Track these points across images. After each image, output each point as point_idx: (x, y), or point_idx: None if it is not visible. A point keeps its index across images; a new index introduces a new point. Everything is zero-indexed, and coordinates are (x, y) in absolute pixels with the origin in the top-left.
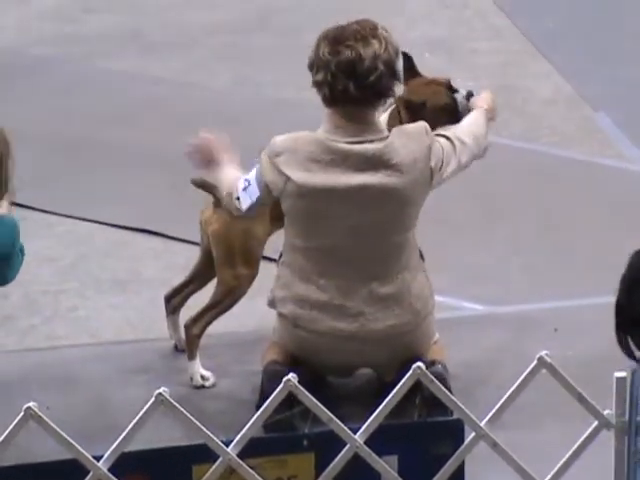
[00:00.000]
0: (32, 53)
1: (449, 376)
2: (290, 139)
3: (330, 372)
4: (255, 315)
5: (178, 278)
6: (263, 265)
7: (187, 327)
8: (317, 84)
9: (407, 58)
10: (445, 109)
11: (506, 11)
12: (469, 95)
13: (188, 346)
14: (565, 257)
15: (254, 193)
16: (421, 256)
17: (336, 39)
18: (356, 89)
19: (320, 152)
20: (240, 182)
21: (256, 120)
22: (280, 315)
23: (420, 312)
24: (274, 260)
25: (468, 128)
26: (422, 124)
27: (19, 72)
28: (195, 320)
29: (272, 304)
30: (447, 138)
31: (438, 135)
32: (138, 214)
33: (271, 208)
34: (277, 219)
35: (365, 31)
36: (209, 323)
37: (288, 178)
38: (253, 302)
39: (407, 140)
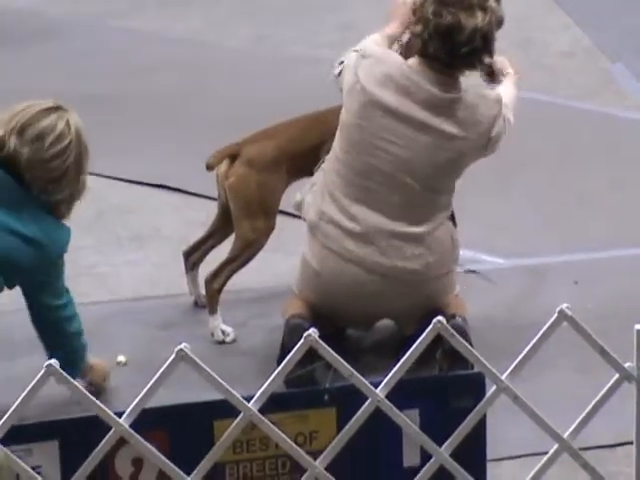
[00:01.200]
0: (47, 14)
1: (469, 329)
2: (382, 51)
3: (350, 322)
4: (274, 270)
5: (197, 234)
6: (281, 219)
7: (207, 282)
8: (414, 34)
9: None
10: None
11: None
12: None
13: (209, 301)
14: (584, 210)
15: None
16: (453, 219)
17: (444, 1)
18: (447, 55)
19: (399, 75)
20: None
21: (274, 78)
22: (305, 220)
23: (431, 267)
24: (291, 214)
25: (512, 103)
26: (497, 94)
27: (34, 33)
28: (215, 275)
29: (298, 207)
30: (507, 109)
31: None
32: (156, 170)
33: (287, 160)
34: (294, 172)
35: (476, 1)
36: (229, 277)
37: (359, 81)
38: (272, 257)
39: (479, 101)
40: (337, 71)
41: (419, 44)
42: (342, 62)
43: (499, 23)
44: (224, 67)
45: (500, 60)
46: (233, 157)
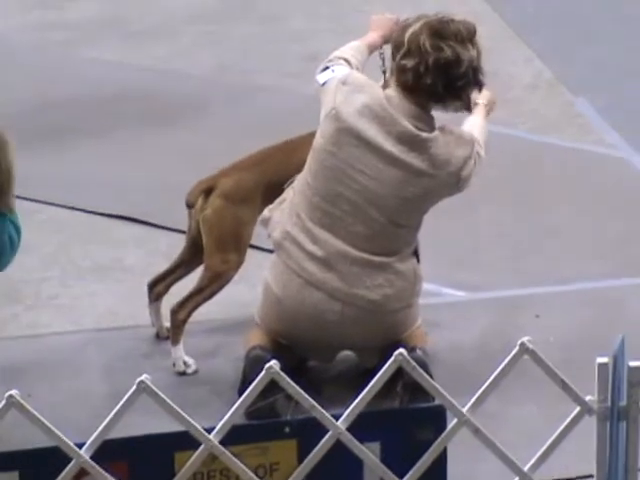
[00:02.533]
0: (14, 40)
1: (430, 362)
2: (363, 79)
3: (311, 352)
4: (236, 301)
5: (159, 265)
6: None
7: (173, 312)
8: (403, 68)
9: None
10: None
11: None
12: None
13: (173, 331)
14: (546, 243)
15: (325, 77)
16: (416, 254)
17: (439, 34)
18: (443, 88)
19: (377, 106)
20: (335, 60)
21: (239, 107)
22: (270, 237)
23: (390, 299)
24: (255, 247)
25: (482, 136)
26: (471, 134)
27: (1, 59)
28: (181, 305)
29: (264, 222)
30: (480, 147)
31: None
32: (118, 201)
33: (263, 191)
34: (269, 202)
35: (466, 34)
36: (195, 308)
37: (336, 107)
38: (234, 288)
39: (452, 140)
40: (320, 79)
41: (409, 78)
42: (326, 68)
43: (481, 56)
44: (190, 96)
45: (483, 92)
46: (208, 190)
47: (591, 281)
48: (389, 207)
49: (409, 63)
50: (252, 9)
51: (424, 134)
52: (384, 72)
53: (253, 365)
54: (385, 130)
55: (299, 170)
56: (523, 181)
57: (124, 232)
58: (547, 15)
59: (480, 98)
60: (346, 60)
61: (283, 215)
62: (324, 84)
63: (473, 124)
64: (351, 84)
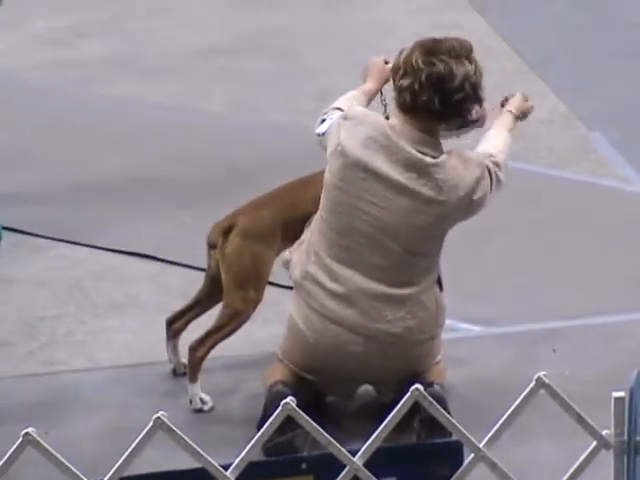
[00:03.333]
0: (26, 78)
1: (447, 397)
2: (364, 112)
3: (332, 386)
4: (252, 338)
5: (174, 301)
6: None
7: (192, 349)
8: (400, 88)
9: None
10: None
11: (500, 33)
12: (503, 102)
13: (191, 368)
14: (561, 277)
15: (325, 128)
16: (439, 283)
17: (431, 51)
18: (439, 104)
19: (380, 136)
20: (331, 112)
21: (252, 144)
22: (290, 278)
23: (412, 331)
24: (270, 283)
25: (502, 156)
26: (481, 157)
27: (14, 98)
28: (200, 343)
29: (286, 264)
30: (496, 166)
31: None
32: (132, 238)
33: (282, 228)
34: (288, 239)
35: (461, 50)
36: (213, 346)
37: (340, 142)
38: (249, 325)
39: (460, 164)
40: (319, 130)
41: (406, 98)
42: (323, 120)
43: (482, 74)
44: (203, 133)
45: (513, 100)
46: (227, 229)
47: (607, 315)
48: (403, 236)
49: (405, 83)
50: (264, 45)
51: (429, 159)
52: (387, 117)
53: (274, 400)
54: (391, 159)
55: (313, 207)
56: (539, 215)
57: (138, 269)
58: (561, 50)
59: (509, 105)
60: (342, 110)
61: (302, 256)
62: (324, 133)
63: (493, 141)
64: (353, 118)
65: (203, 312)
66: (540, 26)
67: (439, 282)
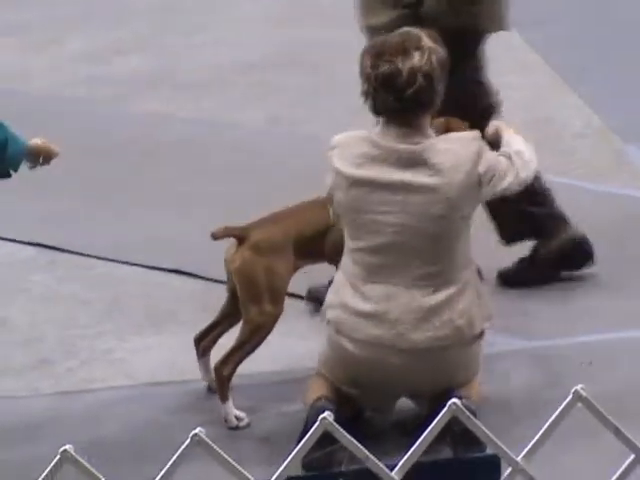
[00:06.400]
0: (65, 95)
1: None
2: (345, 136)
3: (372, 400)
4: (288, 354)
5: (212, 319)
6: (293, 303)
7: (217, 369)
8: (363, 94)
9: None
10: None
11: (535, 47)
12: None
13: (219, 388)
14: (597, 290)
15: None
16: (479, 274)
17: (377, 53)
18: (395, 101)
19: (368, 148)
20: None
21: (288, 158)
22: (328, 322)
23: (462, 330)
24: (303, 297)
25: (521, 145)
26: (472, 132)
27: (51, 115)
28: (224, 362)
29: (323, 312)
30: (505, 155)
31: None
32: (172, 255)
33: (294, 244)
34: (302, 256)
35: (408, 43)
36: (238, 363)
37: (337, 170)
38: (285, 341)
39: (452, 144)
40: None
41: (369, 102)
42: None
43: (441, 62)
44: (239, 147)
45: (495, 125)
46: (241, 240)
47: None
48: (429, 232)
49: (364, 88)
50: (300, 60)
51: (418, 146)
52: None
53: (317, 416)
54: (387, 164)
55: (324, 228)
56: None
57: (177, 286)
58: (595, 63)
59: (490, 130)
60: None
61: (338, 293)
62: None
63: (508, 142)
64: (338, 145)
65: (230, 327)
66: (574, 39)
67: (478, 272)
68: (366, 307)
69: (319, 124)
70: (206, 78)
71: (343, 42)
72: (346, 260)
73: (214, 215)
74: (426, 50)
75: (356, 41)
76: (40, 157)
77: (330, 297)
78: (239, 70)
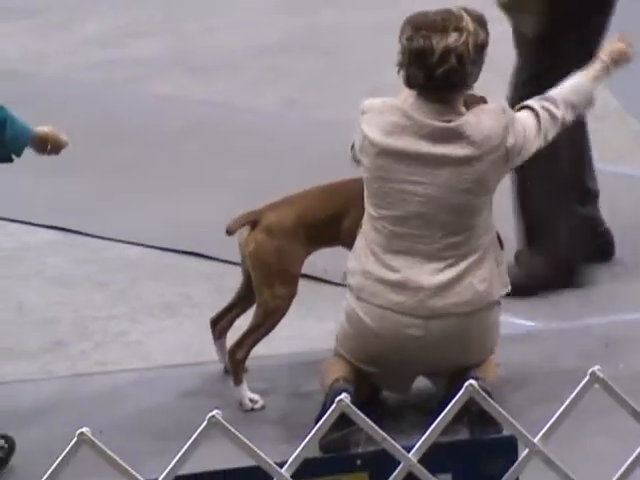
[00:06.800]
0: (78, 79)
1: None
2: (378, 101)
3: (390, 379)
4: (305, 336)
5: (228, 300)
6: (310, 285)
7: (231, 352)
8: (398, 65)
9: None
10: None
11: None
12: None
13: (233, 371)
14: (613, 271)
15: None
16: (500, 244)
17: (416, 26)
18: (424, 79)
19: (399, 117)
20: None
21: (301, 142)
22: (349, 287)
23: (482, 295)
24: (320, 280)
25: (567, 94)
26: (500, 104)
27: (65, 98)
28: (238, 345)
29: (344, 277)
30: (535, 113)
31: (527, 108)
32: (187, 237)
33: (307, 228)
34: (315, 240)
35: (448, 22)
36: (252, 346)
37: (365, 136)
38: (302, 323)
39: (482, 117)
40: (352, 154)
41: (403, 75)
42: (354, 146)
43: (479, 45)
44: (253, 131)
45: (609, 46)
46: (254, 224)
47: None
48: (456, 204)
49: (399, 59)
50: (315, 43)
51: (452, 123)
52: None
53: (335, 397)
54: (416, 136)
55: (338, 213)
56: None
57: (192, 268)
58: None
59: (602, 51)
60: None
61: (359, 260)
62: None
63: (564, 84)
64: (369, 110)
65: (245, 310)
66: None
67: (499, 240)
68: (388, 275)
69: (332, 108)
70: (220, 61)
71: (356, 26)
72: (367, 227)
73: (228, 197)
74: (465, 32)
75: (369, 24)
76: (47, 146)
77: (351, 263)
78: (253, 54)
